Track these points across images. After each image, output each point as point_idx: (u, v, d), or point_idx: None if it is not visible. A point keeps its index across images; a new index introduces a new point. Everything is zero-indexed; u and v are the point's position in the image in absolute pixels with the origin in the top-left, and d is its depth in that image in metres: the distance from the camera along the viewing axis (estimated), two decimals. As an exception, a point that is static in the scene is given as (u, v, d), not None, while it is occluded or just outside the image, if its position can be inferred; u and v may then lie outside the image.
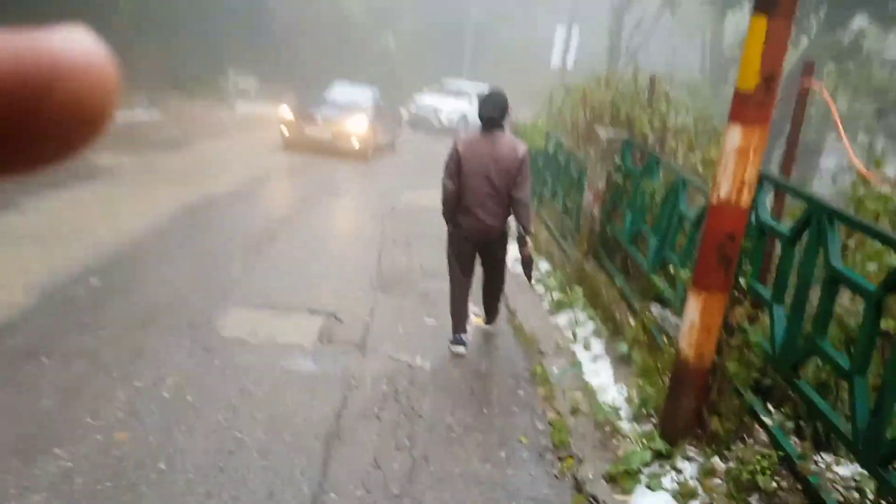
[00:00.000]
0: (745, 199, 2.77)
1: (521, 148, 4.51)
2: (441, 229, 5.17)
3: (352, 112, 13.94)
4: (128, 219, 7.34)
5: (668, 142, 5.65)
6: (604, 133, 5.90)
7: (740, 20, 27.06)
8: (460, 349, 4.87)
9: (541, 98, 16.15)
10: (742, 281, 3.07)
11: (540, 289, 6.50)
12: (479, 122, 4.57)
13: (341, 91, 15.88)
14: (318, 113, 13.81)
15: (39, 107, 0.23)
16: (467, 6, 30.83)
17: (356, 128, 13.68)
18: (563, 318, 5.53)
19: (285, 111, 13.65)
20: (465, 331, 4.97)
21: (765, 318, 3.16)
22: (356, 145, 13.74)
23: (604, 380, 4.30)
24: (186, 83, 19.35)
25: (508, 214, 4.70)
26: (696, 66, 25.86)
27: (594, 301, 5.52)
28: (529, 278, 5.08)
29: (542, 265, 7.15)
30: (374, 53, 27.64)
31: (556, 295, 6.07)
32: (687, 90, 14.34)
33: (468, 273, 4.98)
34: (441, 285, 6.62)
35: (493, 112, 4.51)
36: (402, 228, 8.79)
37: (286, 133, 13.65)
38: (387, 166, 14.24)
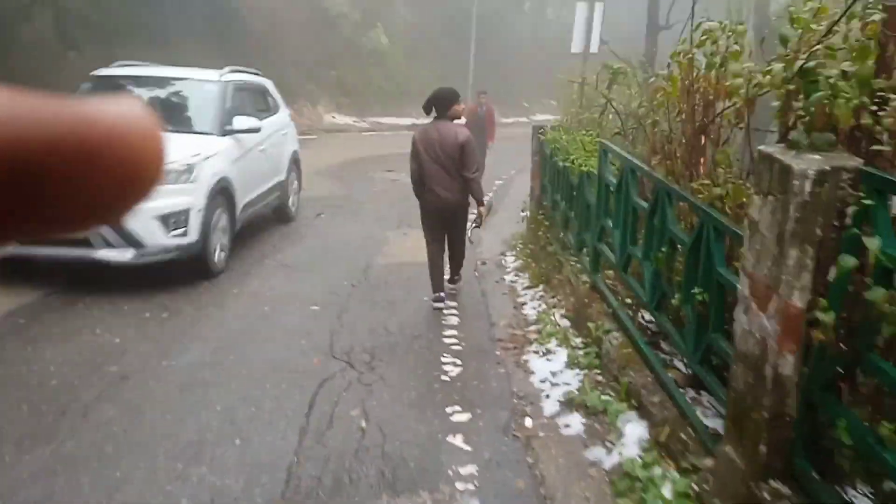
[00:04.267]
0: None
1: (462, 134, 5.30)
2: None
3: None
4: None
5: None
6: (799, 161, 2.23)
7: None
8: (439, 305, 5.66)
9: (562, 90, 12.50)
10: None
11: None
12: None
13: None
14: None
15: (88, 172, 0.25)
16: (469, -6, 27.08)
17: None
18: None
19: None
20: (442, 289, 5.72)
21: None
22: None
23: None
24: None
25: (463, 190, 5.42)
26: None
27: None
28: (478, 226, 5.96)
29: (631, 428, 3.47)
30: (365, 53, 24.05)
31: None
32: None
33: (439, 240, 5.67)
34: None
35: (438, 107, 5.38)
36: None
37: None
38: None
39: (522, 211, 10.05)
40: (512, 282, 6.75)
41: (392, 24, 26.10)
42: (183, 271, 5.92)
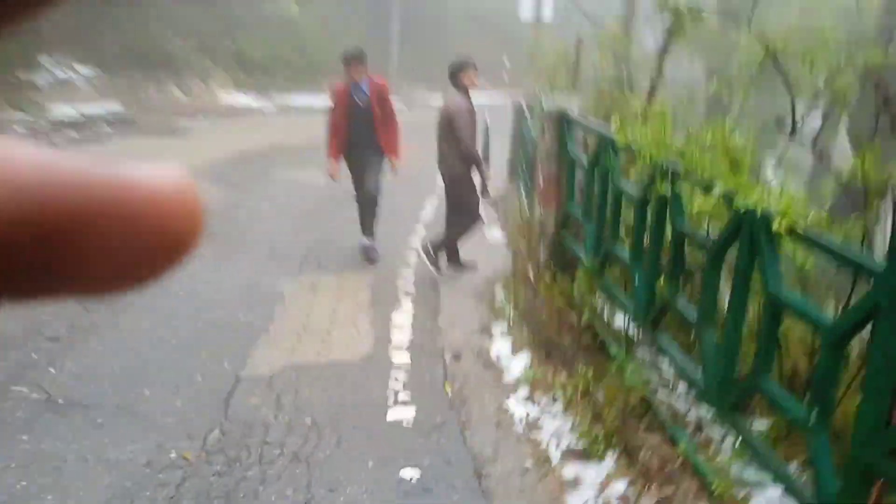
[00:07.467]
0: None
1: (452, 105, 5.36)
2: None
3: None
4: None
5: None
6: None
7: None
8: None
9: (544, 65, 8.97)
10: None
11: None
12: None
13: None
14: None
15: (119, 237, 0.23)
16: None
17: None
18: None
19: None
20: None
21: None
22: None
23: None
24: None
25: (459, 161, 5.42)
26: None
27: None
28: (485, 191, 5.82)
29: None
30: (269, 22, 19.99)
31: None
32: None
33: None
34: None
35: (450, 78, 5.53)
36: None
37: None
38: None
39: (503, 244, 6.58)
40: (531, 420, 3.30)
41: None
42: None
